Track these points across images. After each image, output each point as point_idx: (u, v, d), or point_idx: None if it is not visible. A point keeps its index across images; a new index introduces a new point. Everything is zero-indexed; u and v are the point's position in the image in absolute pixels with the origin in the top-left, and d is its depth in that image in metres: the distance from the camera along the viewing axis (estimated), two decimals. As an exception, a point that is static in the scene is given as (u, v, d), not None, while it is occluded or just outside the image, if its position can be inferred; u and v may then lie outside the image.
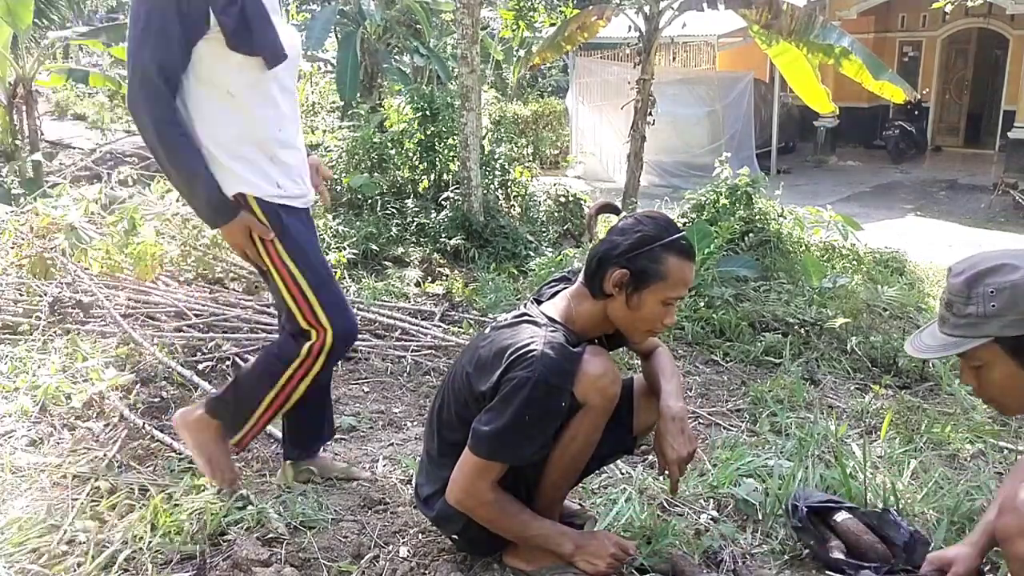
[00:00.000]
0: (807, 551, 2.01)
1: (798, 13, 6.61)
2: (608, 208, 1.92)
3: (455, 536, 1.93)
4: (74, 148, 11.20)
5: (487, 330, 1.87)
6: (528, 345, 1.68)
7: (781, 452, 2.60)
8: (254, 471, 2.42)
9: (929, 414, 3.11)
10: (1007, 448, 2.79)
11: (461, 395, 1.81)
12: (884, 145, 13.04)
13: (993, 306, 1.38)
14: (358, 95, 9.91)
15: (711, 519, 2.19)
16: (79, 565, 1.90)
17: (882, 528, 1.96)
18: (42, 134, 10.32)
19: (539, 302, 1.88)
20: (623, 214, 1.90)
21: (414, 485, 2.04)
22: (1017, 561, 1.24)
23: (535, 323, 1.76)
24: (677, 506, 2.26)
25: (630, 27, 7.62)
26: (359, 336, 3.82)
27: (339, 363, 3.53)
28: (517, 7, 12.90)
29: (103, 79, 9.38)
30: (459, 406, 1.82)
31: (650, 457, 2.61)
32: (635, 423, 2.01)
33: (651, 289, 1.73)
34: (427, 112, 6.84)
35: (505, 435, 1.66)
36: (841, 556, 1.93)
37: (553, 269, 4.99)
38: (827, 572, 1.94)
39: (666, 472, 1.84)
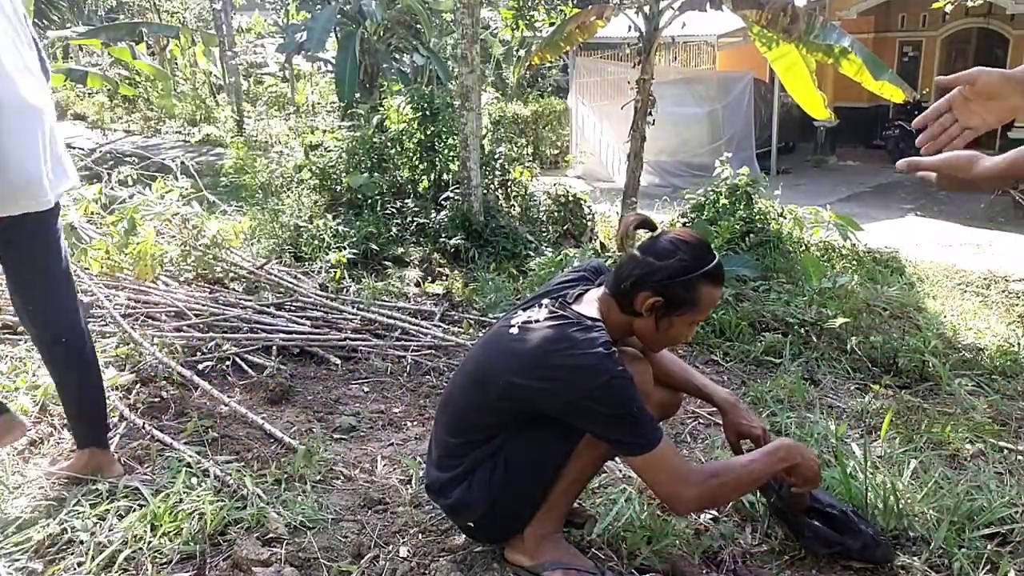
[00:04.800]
0: (802, 546, 2.01)
1: (799, 13, 6.61)
2: (645, 224, 1.89)
3: (470, 524, 1.93)
4: (74, 148, 11.20)
5: (514, 330, 1.81)
6: (587, 351, 1.69)
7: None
8: (254, 471, 2.41)
9: (929, 414, 3.11)
10: (1007, 448, 2.79)
11: (507, 400, 1.79)
12: (884, 145, 13.01)
13: None
14: (358, 95, 9.92)
15: (711, 519, 2.19)
16: (79, 565, 1.91)
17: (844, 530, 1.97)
18: (42, 134, 10.30)
19: (566, 302, 1.86)
20: (659, 230, 1.88)
21: (425, 481, 2.02)
22: None
23: (581, 325, 1.75)
24: (677, 506, 2.26)
25: (630, 27, 7.61)
26: (359, 336, 3.85)
27: (339, 363, 3.53)
28: (517, 7, 12.88)
29: (102, 79, 9.41)
30: (500, 413, 1.81)
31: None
32: None
33: (683, 316, 1.80)
34: (427, 112, 6.83)
35: (636, 423, 1.69)
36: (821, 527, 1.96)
37: (553, 269, 4.98)
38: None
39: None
